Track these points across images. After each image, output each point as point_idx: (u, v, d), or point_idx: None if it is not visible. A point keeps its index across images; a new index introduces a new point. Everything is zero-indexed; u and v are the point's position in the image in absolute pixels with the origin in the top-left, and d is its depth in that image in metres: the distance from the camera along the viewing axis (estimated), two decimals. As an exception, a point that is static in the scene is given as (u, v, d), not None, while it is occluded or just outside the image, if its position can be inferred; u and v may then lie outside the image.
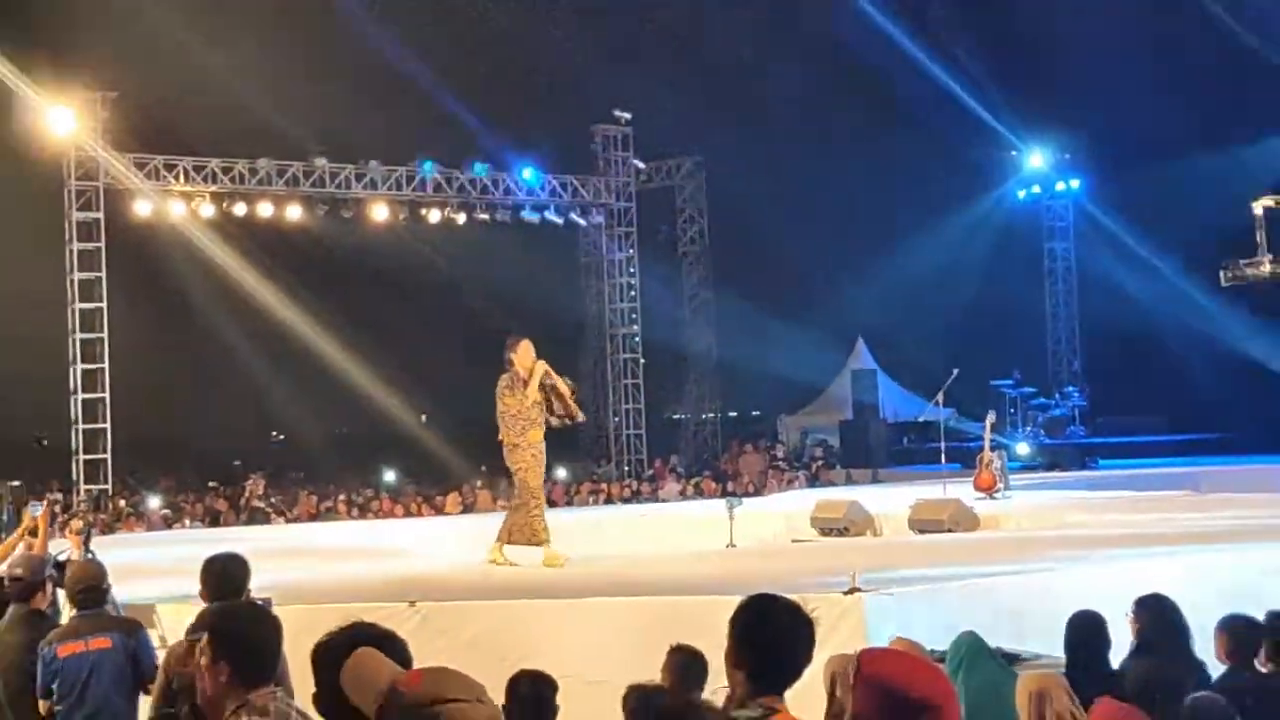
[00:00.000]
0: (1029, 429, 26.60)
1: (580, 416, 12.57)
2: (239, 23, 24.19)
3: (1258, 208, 13.32)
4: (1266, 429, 23.65)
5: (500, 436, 11.94)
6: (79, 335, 22.38)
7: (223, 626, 4.14)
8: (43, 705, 6.84)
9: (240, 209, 23.92)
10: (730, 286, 30.17)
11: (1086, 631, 6.16)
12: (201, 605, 6.27)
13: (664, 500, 23.32)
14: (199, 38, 23.08)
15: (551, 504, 23.44)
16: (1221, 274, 13.80)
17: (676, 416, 32.09)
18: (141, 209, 23.32)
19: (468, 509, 22.42)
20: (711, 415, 31.33)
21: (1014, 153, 30.41)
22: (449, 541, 15.77)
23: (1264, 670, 6.31)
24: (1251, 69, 25.12)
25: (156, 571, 11.34)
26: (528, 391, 11.75)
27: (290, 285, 24.77)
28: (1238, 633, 6.41)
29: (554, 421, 12.12)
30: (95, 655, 6.87)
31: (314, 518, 21.61)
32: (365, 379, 26.09)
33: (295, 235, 25.20)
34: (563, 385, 12.12)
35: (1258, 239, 13.33)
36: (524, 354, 11.88)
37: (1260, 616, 6.52)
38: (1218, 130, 25.62)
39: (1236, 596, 7.55)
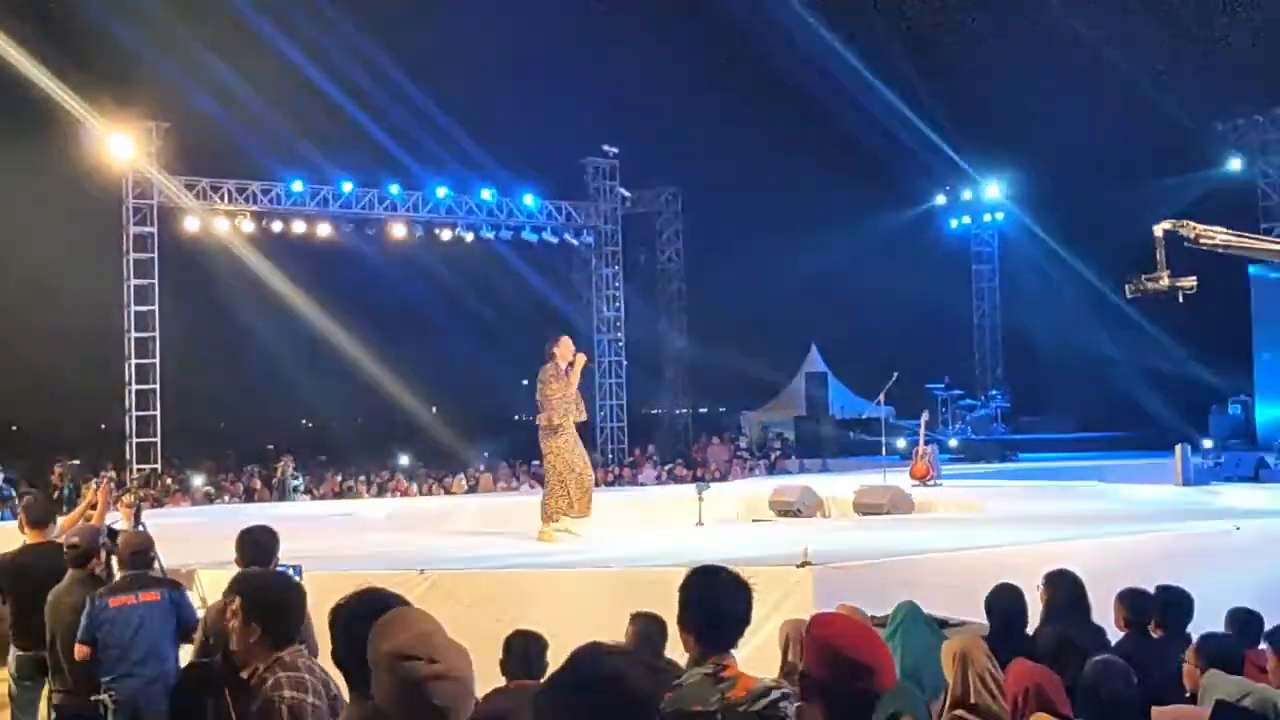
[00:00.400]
0: (958, 426, 26.70)
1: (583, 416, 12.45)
2: (278, 65, 24.12)
3: (1158, 230, 13.34)
4: (1163, 428, 23.76)
5: (540, 420, 11.76)
6: (133, 334, 22.28)
7: (253, 592, 4.10)
8: (80, 649, 6.76)
9: (277, 226, 23.87)
10: (702, 299, 30.22)
11: (1005, 602, 6.16)
12: (237, 570, 6.23)
13: (642, 484, 23.32)
14: (243, 78, 23.01)
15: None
16: (1125, 287, 13.78)
17: (654, 411, 32.08)
18: (190, 224, 23.24)
19: (472, 489, 22.43)
20: (684, 410, 31.35)
21: (949, 188, 30.55)
22: (455, 517, 15.73)
23: (1155, 636, 6.33)
24: (1156, 115, 25.21)
25: (198, 540, 11.28)
26: (570, 379, 11.73)
27: (320, 292, 24.69)
28: (1134, 604, 6.44)
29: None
30: (144, 608, 6.81)
31: (338, 495, 21.53)
32: (384, 375, 26.05)
33: (325, 249, 25.11)
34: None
35: (1158, 257, 13.32)
36: (565, 348, 11.87)
37: (1152, 590, 6.54)
38: (1125, 168, 25.73)
39: (1133, 572, 7.58)
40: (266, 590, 4.14)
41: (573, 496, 11.77)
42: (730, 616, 3.75)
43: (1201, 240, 13.51)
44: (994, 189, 29.92)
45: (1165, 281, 13.31)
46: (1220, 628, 6.15)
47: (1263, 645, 5.70)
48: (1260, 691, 4.97)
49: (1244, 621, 6.19)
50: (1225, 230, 13.77)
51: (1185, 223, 13.49)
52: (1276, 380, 25.68)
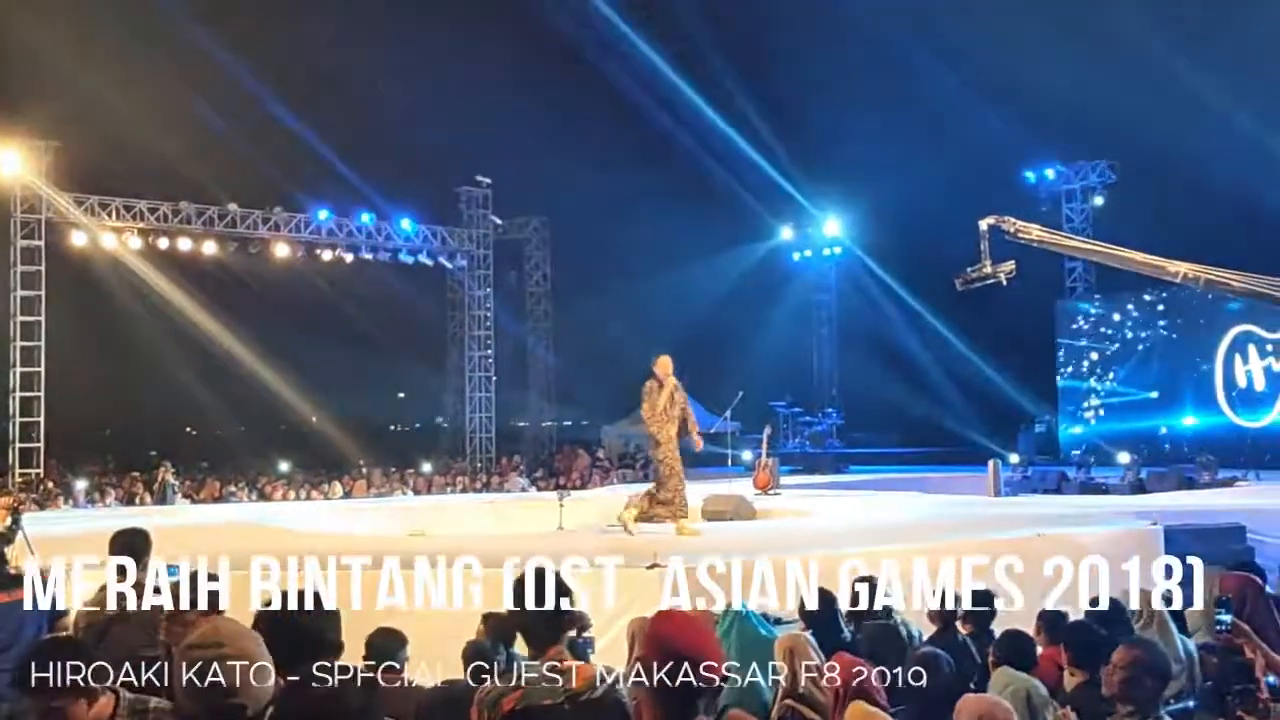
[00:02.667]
0: (797, 440, 27.10)
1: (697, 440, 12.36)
2: (166, 88, 23.49)
3: (983, 225, 13.76)
4: (977, 445, 24.44)
5: (649, 430, 12.07)
6: (19, 343, 21.49)
7: None
8: None
9: (164, 243, 23.19)
10: (566, 319, 30.26)
11: (821, 603, 6.21)
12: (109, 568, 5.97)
13: (508, 490, 23.15)
14: (132, 100, 22.34)
15: (416, 492, 23.24)
16: (956, 282, 14.15)
17: (521, 424, 31.94)
18: (78, 239, 22.49)
19: (348, 495, 22.03)
20: (549, 423, 31.26)
21: (792, 225, 31.07)
22: (330, 520, 15.39)
23: (964, 633, 6.47)
24: (975, 164, 25.99)
25: (75, 541, 10.82)
26: (660, 397, 11.69)
27: (205, 306, 24.15)
28: (944, 605, 6.55)
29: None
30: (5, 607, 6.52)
31: (217, 499, 20.95)
32: (266, 385, 25.50)
33: (210, 266, 24.46)
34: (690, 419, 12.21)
35: (981, 248, 13.76)
36: (663, 366, 11.93)
37: (963, 593, 6.66)
38: (946, 208, 26.42)
39: (946, 576, 7.73)
40: None
41: (675, 502, 11.97)
42: (556, 613, 3.77)
43: (1020, 235, 13.98)
44: (833, 225, 30.54)
45: (989, 269, 13.75)
46: (1025, 625, 6.30)
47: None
48: (1022, 682, 5.26)
49: (1051, 621, 6.34)
50: (1040, 227, 14.32)
51: (1005, 219, 13.95)
52: (1076, 402, 26.70)
